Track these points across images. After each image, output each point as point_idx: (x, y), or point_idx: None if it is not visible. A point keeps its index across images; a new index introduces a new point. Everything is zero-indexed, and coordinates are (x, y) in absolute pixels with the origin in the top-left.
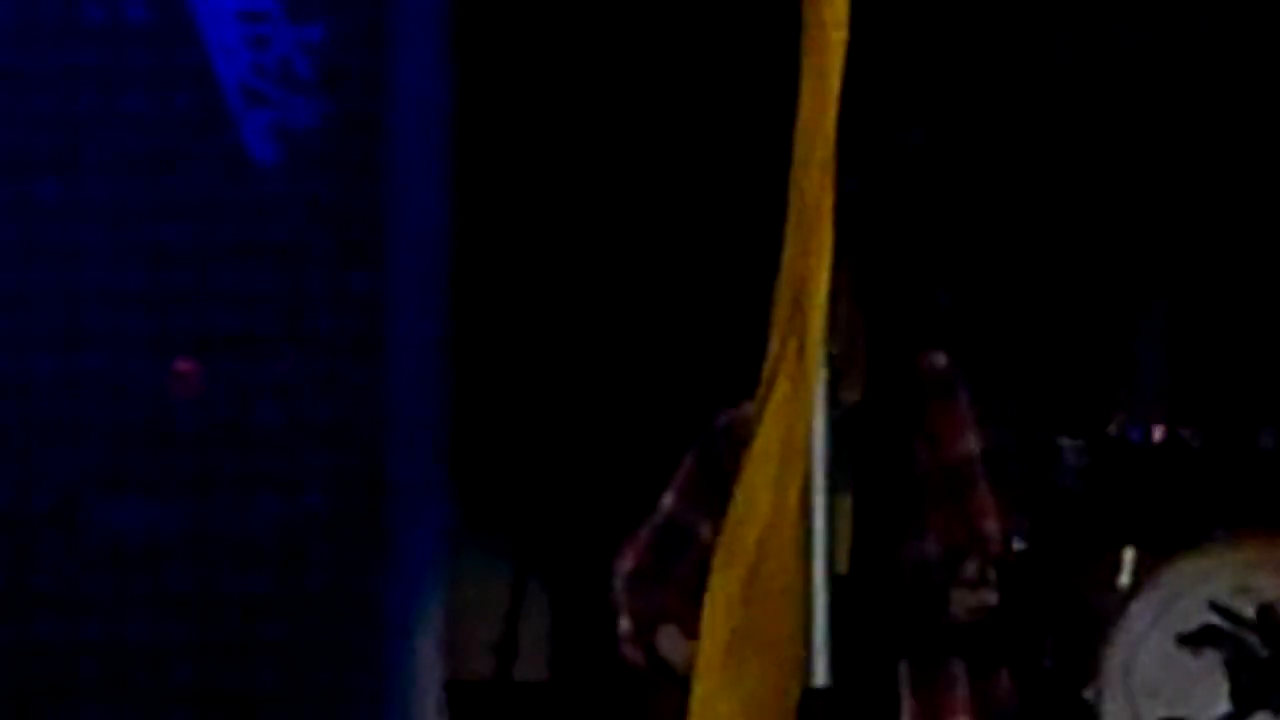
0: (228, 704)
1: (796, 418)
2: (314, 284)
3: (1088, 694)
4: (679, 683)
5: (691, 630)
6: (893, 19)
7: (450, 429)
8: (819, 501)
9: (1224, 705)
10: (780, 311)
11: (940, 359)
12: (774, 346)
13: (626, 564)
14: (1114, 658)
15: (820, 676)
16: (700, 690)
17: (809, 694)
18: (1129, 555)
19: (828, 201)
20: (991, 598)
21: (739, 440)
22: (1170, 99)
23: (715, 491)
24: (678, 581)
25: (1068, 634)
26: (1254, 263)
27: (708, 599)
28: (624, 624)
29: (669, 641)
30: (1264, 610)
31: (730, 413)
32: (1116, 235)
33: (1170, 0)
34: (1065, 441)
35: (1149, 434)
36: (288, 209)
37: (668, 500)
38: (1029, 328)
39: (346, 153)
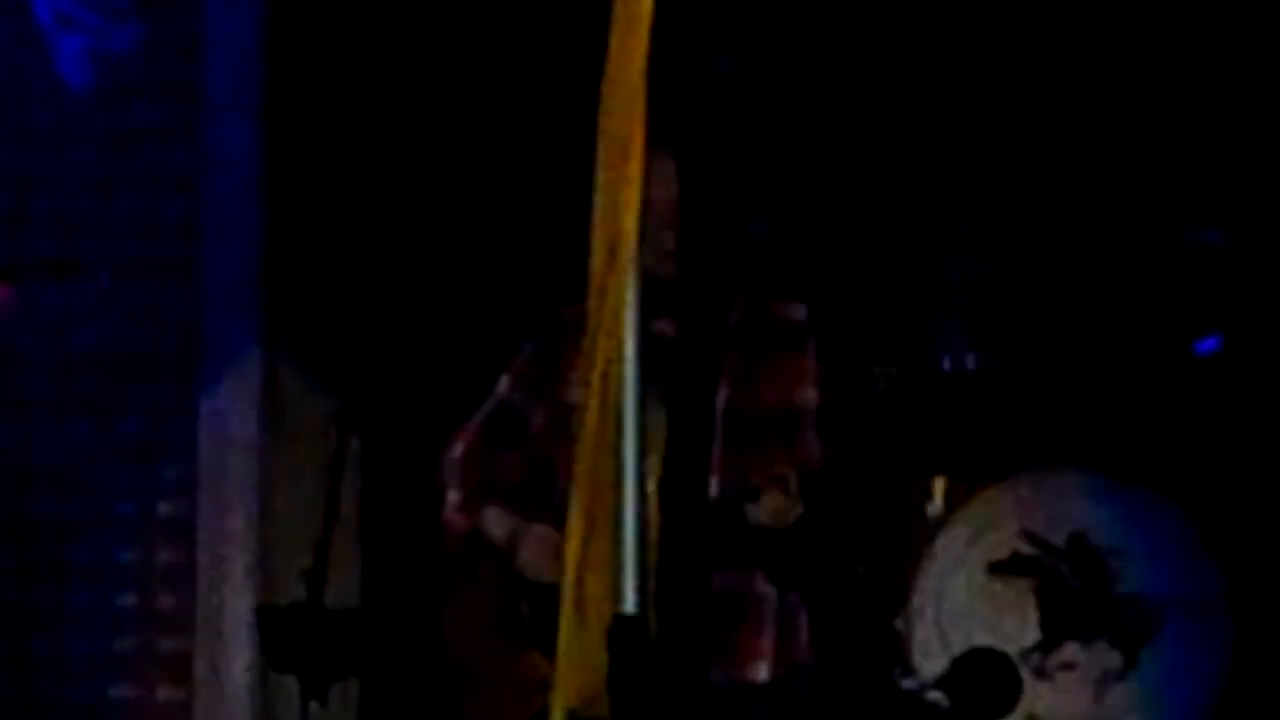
0: (41, 626)
1: (612, 341)
2: (128, 209)
3: (898, 622)
4: (496, 556)
5: (515, 511)
6: None
7: (266, 349)
8: (629, 429)
9: (1034, 634)
10: (599, 236)
11: (798, 311)
12: (595, 270)
13: (457, 449)
14: (925, 587)
15: (629, 603)
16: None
17: (618, 621)
18: (940, 484)
19: (638, 130)
20: (797, 506)
21: (578, 335)
22: (987, 27)
23: (549, 381)
24: (505, 466)
25: (878, 563)
26: (1069, 193)
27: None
28: (453, 495)
29: (491, 521)
30: (1074, 539)
31: (576, 308)
32: (931, 160)
33: None
34: (878, 369)
35: (962, 363)
36: (102, 134)
37: (503, 385)
38: (844, 255)
39: (161, 78)
